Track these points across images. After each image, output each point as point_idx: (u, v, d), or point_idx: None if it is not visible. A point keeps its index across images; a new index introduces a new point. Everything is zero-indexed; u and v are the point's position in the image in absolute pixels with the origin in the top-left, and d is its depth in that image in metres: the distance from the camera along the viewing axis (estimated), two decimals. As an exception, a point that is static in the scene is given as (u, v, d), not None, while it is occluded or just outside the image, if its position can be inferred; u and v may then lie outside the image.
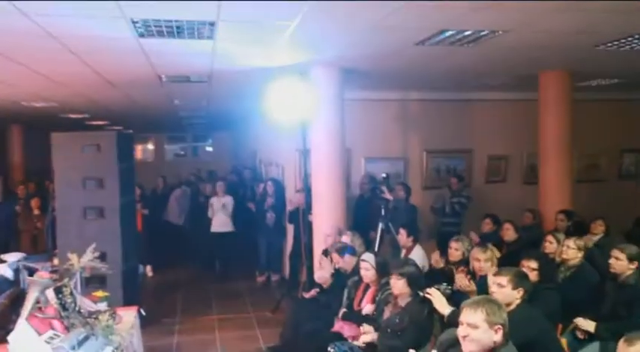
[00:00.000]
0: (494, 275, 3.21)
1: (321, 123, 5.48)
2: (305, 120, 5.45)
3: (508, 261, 4.78)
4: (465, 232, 6.46)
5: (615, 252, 3.86)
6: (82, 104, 8.30)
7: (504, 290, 3.07)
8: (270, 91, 5.18)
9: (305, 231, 5.88)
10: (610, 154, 8.37)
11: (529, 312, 3.01)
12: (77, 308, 3.96)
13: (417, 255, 4.98)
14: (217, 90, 6.97)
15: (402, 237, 5.13)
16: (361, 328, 3.64)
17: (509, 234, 5.48)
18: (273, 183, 7.64)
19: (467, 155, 7.78)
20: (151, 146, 17.66)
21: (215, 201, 7.92)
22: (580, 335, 3.78)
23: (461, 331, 2.35)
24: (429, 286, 4.05)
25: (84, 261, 4.16)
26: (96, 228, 5.26)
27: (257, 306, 6.50)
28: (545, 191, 6.49)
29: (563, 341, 3.61)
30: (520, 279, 3.08)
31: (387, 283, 3.70)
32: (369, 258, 3.94)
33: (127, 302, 5.09)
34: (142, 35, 3.93)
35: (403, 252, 5.18)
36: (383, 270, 3.82)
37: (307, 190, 5.72)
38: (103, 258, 4.78)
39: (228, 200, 7.88)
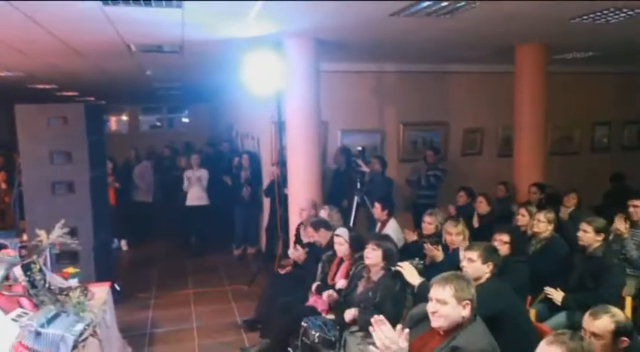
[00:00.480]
0: (465, 250, 3.24)
1: (295, 95, 5.38)
2: (279, 92, 5.36)
3: (481, 233, 4.87)
4: (441, 205, 6.55)
5: (583, 225, 3.93)
6: (50, 74, 8.00)
7: (474, 265, 3.11)
8: (244, 62, 5.07)
9: (280, 204, 5.85)
10: (583, 127, 8.47)
11: (497, 286, 3.06)
12: (47, 285, 3.89)
13: (392, 228, 5.01)
14: (190, 61, 6.78)
15: (377, 210, 5.14)
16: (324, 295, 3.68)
17: (482, 206, 5.54)
18: (249, 156, 7.56)
19: (443, 128, 7.78)
20: (125, 117, 17.25)
21: (190, 175, 7.81)
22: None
23: (430, 307, 2.37)
24: (402, 261, 4.10)
25: (53, 237, 4.06)
26: (65, 203, 5.13)
27: (233, 280, 6.50)
28: (520, 163, 6.56)
29: (532, 311, 3.70)
30: (489, 254, 3.12)
31: (361, 258, 3.71)
32: (342, 233, 3.94)
33: (100, 278, 5.02)
34: (106, 3, 3.75)
35: (378, 226, 5.21)
36: (357, 245, 3.83)
37: (282, 163, 5.67)
38: (73, 233, 4.66)
39: (204, 173, 7.77)
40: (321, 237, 4.60)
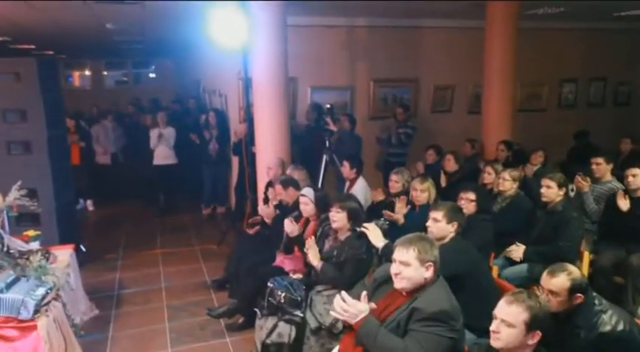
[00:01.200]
0: (431, 209, 3.25)
1: (262, 51, 5.18)
2: (246, 47, 5.16)
3: (449, 191, 4.91)
4: (411, 163, 6.57)
5: (546, 181, 3.99)
6: (1, 25, 7.50)
7: (439, 225, 3.13)
8: (209, 16, 4.84)
9: (248, 163, 5.75)
10: (550, 84, 8.52)
11: (461, 245, 3.10)
12: (5, 249, 3.78)
13: (361, 187, 5.00)
14: (152, 13, 6.43)
15: (346, 169, 5.11)
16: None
17: (450, 164, 5.56)
18: (216, 114, 7.38)
19: (413, 84, 7.69)
20: (88, 73, 16.54)
21: (157, 133, 7.60)
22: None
23: (393, 268, 2.38)
24: (369, 221, 4.11)
25: (9, 199, 3.91)
26: (23, 164, 4.93)
27: (202, 239, 6.47)
28: (488, 121, 6.58)
29: (495, 268, 3.79)
30: (454, 213, 3.14)
31: (327, 218, 3.70)
32: (308, 193, 3.90)
33: (64, 240, 4.92)
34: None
35: (347, 185, 5.19)
36: (322, 205, 3.80)
37: (249, 121, 5.53)
38: (32, 195, 4.53)
39: (170, 131, 7.57)
40: (289, 196, 4.54)
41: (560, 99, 8.72)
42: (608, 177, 4.72)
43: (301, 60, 6.77)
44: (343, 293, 2.35)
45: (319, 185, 5.36)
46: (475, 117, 7.20)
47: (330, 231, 3.52)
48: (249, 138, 5.60)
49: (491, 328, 2.03)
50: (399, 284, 2.36)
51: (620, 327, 2.33)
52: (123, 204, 8.22)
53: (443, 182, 5.43)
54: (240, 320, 4.15)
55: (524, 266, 3.91)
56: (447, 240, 3.15)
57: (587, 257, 4.13)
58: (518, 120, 7.24)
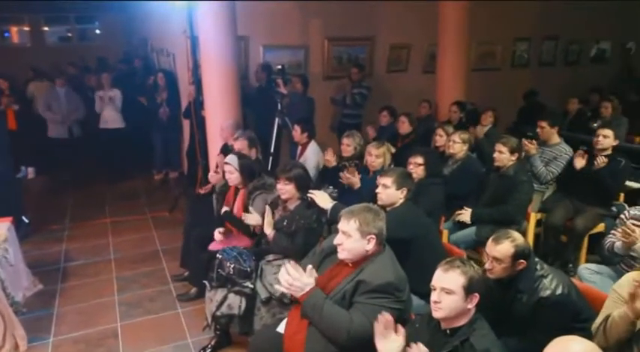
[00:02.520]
0: (380, 176, 3.21)
1: (208, 7, 4.90)
2: (191, 1, 4.86)
3: (404, 153, 4.86)
4: (367, 124, 6.50)
5: (498, 146, 4.01)
6: None
7: (389, 191, 3.10)
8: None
9: (198, 126, 5.54)
10: (504, 43, 8.52)
11: (409, 210, 3.09)
12: None
13: (313, 151, 4.91)
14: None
15: (297, 133, 4.98)
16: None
17: (404, 127, 5.52)
18: (165, 75, 7.03)
19: (369, 43, 7.54)
20: (26, 28, 15.39)
21: (102, 95, 7.19)
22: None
23: (337, 239, 2.34)
24: (321, 186, 4.05)
25: None
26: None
27: (154, 207, 6.27)
28: (442, 80, 6.57)
29: (445, 231, 3.83)
30: (403, 179, 3.11)
31: (256, 188, 3.62)
32: (231, 160, 3.73)
33: (3, 213, 4.64)
34: None
35: (299, 149, 5.09)
36: (248, 173, 3.70)
37: (197, 82, 5.29)
38: (-39, 166, 4.24)
39: (116, 93, 7.18)
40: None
41: (513, 59, 8.76)
42: (556, 139, 4.80)
43: (253, 18, 6.50)
44: (288, 265, 2.29)
45: (271, 149, 5.23)
46: (431, 77, 7.16)
47: (278, 199, 3.44)
48: (198, 100, 5.37)
49: (432, 299, 2.04)
50: (341, 254, 2.33)
51: (559, 291, 2.39)
52: (68, 170, 7.78)
53: (391, 147, 5.36)
54: (192, 291, 4.08)
55: (472, 229, 3.97)
56: (396, 205, 3.14)
57: (534, 217, 4.24)
58: (473, 80, 7.25)
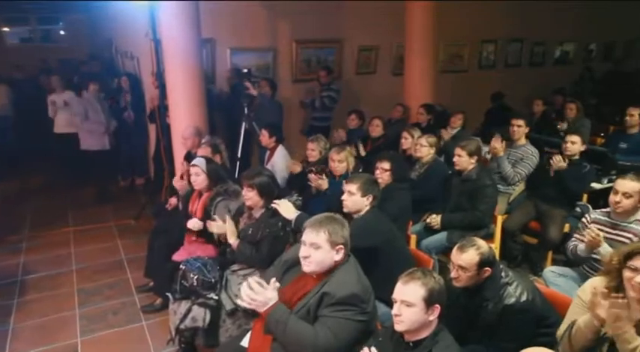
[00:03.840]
0: (345, 182, 3.16)
1: (170, 7, 4.78)
2: (152, 3, 4.73)
3: (373, 157, 4.83)
4: (336, 126, 6.46)
5: (457, 150, 4.03)
6: None
7: (354, 198, 3.06)
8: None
9: (163, 132, 5.40)
10: (472, 44, 8.61)
11: (374, 218, 3.06)
12: None
13: (280, 156, 4.84)
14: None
15: (265, 137, 4.90)
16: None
17: (377, 130, 5.48)
18: (129, 78, 6.85)
19: (337, 45, 7.50)
20: (-17, 28, 14.80)
21: (54, 98, 6.93)
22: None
23: (303, 251, 2.26)
24: (289, 191, 3.98)
25: None
26: None
27: (120, 214, 6.09)
28: (410, 82, 6.57)
29: (413, 237, 3.81)
30: (369, 186, 3.07)
31: (219, 194, 3.53)
32: (199, 163, 3.63)
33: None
34: None
35: (267, 154, 5.01)
36: (215, 176, 3.61)
37: (162, 87, 5.15)
38: None
39: (70, 95, 6.92)
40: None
41: (480, 60, 8.86)
42: (523, 140, 4.85)
43: (219, 20, 6.38)
44: (250, 279, 2.22)
45: (238, 155, 5.14)
46: (400, 79, 7.15)
47: (244, 207, 3.36)
48: (162, 105, 5.24)
49: (393, 312, 2.00)
50: (308, 267, 2.26)
51: (524, 298, 2.38)
52: (29, 177, 7.52)
53: (362, 150, 5.34)
54: (158, 302, 3.96)
55: (443, 235, 3.97)
56: (362, 213, 3.10)
57: (500, 220, 4.27)
58: (442, 82, 7.29)
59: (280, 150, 4.89)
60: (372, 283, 2.59)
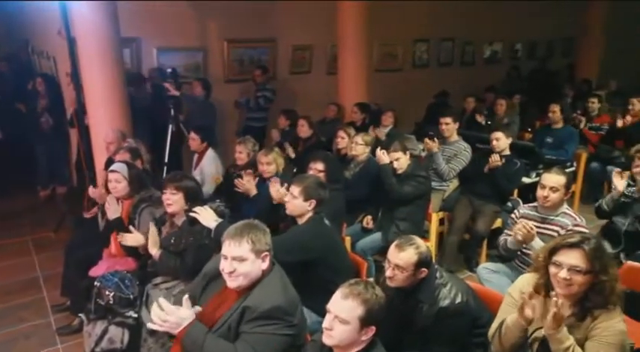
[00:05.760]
0: (291, 183, 3.01)
1: (85, 5, 4.44)
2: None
3: (305, 158, 4.70)
4: (272, 127, 6.28)
5: (392, 155, 3.97)
6: None
7: (296, 202, 2.89)
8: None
9: (82, 136, 5.01)
10: (405, 43, 8.69)
11: (319, 229, 2.89)
12: None
13: (210, 159, 4.61)
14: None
15: (195, 141, 4.64)
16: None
17: (304, 130, 5.36)
18: (45, 80, 6.35)
19: (271, 45, 7.33)
20: None
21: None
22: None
23: (226, 266, 2.06)
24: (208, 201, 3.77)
25: None
26: None
27: (37, 227, 5.59)
28: (344, 82, 6.51)
29: (347, 239, 3.70)
30: (312, 190, 2.90)
31: (143, 201, 3.29)
32: (120, 169, 3.37)
33: None
34: None
35: (195, 158, 4.75)
36: (137, 184, 3.36)
37: (78, 88, 4.78)
38: None
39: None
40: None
41: (414, 59, 8.96)
42: (455, 137, 4.87)
43: (144, 18, 6.06)
44: (160, 299, 2.01)
45: (165, 159, 4.85)
46: (335, 78, 7.06)
47: (165, 215, 3.12)
48: (80, 108, 4.86)
49: (324, 325, 1.86)
50: (234, 282, 2.06)
51: (458, 300, 2.31)
52: None
53: (290, 152, 5.19)
54: (75, 322, 3.62)
55: (378, 235, 3.90)
56: (304, 219, 2.93)
57: (436, 217, 4.25)
58: (377, 81, 7.28)
59: (210, 154, 4.65)
60: (306, 292, 2.45)
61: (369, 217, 3.96)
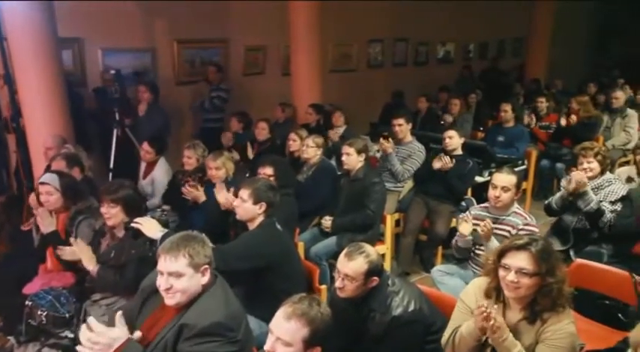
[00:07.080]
0: (239, 187, 2.88)
1: (15, 4, 4.16)
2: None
3: (259, 161, 4.57)
4: (228, 128, 6.10)
5: (345, 148, 3.90)
6: None
7: (245, 206, 2.79)
8: None
9: (19, 142, 4.72)
10: (359, 44, 8.67)
11: (271, 234, 2.79)
12: None
13: (161, 169, 4.39)
14: None
15: (149, 154, 4.40)
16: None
17: (263, 133, 5.23)
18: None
19: (223, 45, 7.14)
20: None
21: None
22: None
23: (162, 283, 1.92)
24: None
25: None
26: None
27: (-29, 240, 5.24)
28: (298, 83, 6.41)
29: (301, 244, 3.59)
30: (262, 193, 2.79)
31: (80, 213, 3.10)
32: (50, 180, 3.15)
33: None
34: None
35: (142, 167, 4.52)
36: (72, 194, 3.17)
37: (12, 91, 4.49)
38: None
39: None
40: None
41: (369, 60, 8.96)
42: (409, 137, 4.85)
43: (87, 18, 5.77)
44: (90, 319, 1.85)
45: (110, 165, 4.62)
46: (290, 79, 6.97)
47: (105, 227, 2.93)
48: (15, 111, 4.57)
49: (266, 347, 1.75)
50: (172, 300, 1.92)
51: (411, 308, 2.25)
52: None
53: (250, 153, 5.06)
54: (8, 344, 3.36)
55: (333, 239, 3.81)
56: (255, 224, 2.82)
57: (390, 219, 4.20)
58: (332, 82, 7.22)
59: (162, 164, 4.42)
60: (256, 301, 2.34)
61: (327, 217, 3.85)
